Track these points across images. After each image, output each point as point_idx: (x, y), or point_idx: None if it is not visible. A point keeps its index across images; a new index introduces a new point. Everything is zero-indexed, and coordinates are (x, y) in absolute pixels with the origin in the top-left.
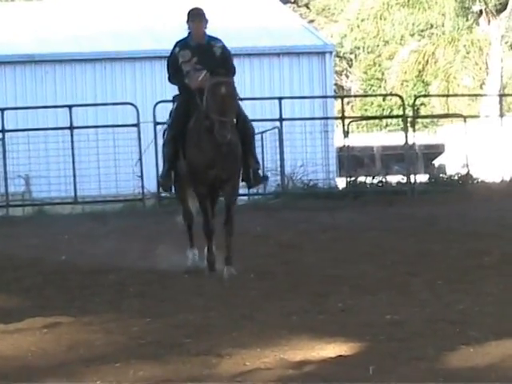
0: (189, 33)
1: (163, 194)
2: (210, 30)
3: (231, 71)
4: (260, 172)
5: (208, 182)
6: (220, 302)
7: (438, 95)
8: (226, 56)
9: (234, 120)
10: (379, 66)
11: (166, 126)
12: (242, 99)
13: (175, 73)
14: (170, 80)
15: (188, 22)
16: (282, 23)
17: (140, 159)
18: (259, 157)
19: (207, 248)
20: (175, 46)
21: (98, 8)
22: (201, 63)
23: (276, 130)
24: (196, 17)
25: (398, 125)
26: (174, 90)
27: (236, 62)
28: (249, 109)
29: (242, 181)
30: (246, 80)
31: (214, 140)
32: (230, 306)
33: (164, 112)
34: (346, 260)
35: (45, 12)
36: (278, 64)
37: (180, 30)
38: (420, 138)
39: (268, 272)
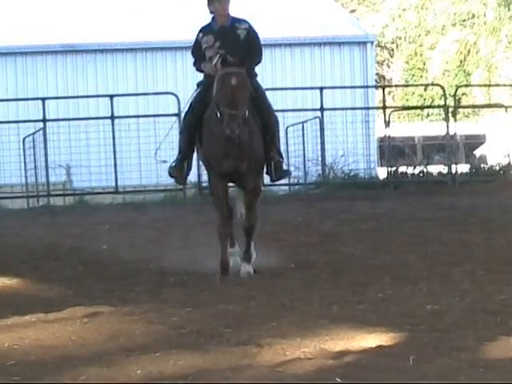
0: (212, 17)
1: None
2: (253, 21)
3: (256, 55)
4: (283, 165)
5: (225, 175)
6: (260, 292)
7: (480, 85)
8: (252, 38)
9: (246, 112)
10: (421, 55)
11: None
12: (263, 90)
13: (199, 59)
14: (195, 67)
15: (208, 4)
16: (323, 13)
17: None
18: (300, 147)
19: (222, 250)
20: (199, 32)
21: None
22: (224, 47)
23: (317, 120)
24: None
25: (440, 115)
26: None
27: (278, 52)
28: (290, 98)
29: (266, 173)
30: (288, 70)
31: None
32: (269, 296)
33: None
34: (387, 250)
35: (85, 2)
36: (319, 54)
37: None
38: (461, 128)
39: (308, 261)
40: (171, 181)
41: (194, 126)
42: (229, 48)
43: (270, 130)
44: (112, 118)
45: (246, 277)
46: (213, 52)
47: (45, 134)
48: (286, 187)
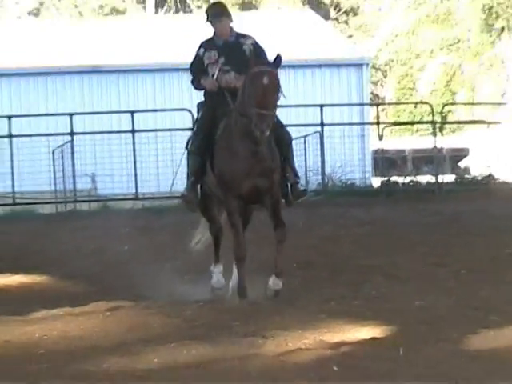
0: (215, 32)
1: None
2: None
3: None
4: (300, 186)
5: (243, 194)
6: (265, 290)
7: (464, 103)
8: (258, 53)
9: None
10: (411, 76)
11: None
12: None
13: (198, 75)
14: (194, 84)
15: (208, 21)
16: (324, 38)
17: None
18: (301, 158)
19: (239, 275)
20: (200, 46)
21: (155, 24)
22: (229, 63)
23: (318, 134)
24: (215, 17)
25: (428, 130)
26: None
27: (283, 73)
28: (293, 115)
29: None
30: (292, 89)
31: (249, 146)
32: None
33: None
34: (380, 252)
35: (108, 29)
36: (320, 75)
37: None
38: (447, 142)
39: (308, 262)
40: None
41: (205, 148)
42: (234, 64)
43: (285, 147)
44: (133, 131)
45: (274, 291)
46: (216, 68)
47: (72, 146)
48: None
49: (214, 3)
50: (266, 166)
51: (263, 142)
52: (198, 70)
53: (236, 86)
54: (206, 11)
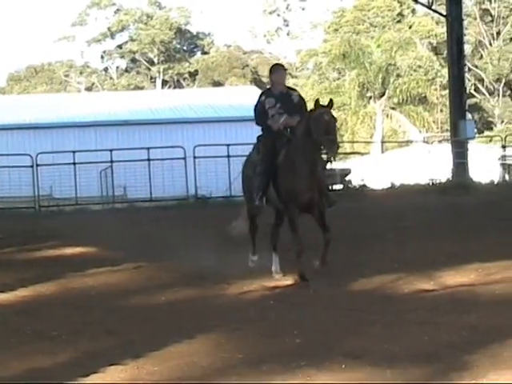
0: (271, 85)
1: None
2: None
3: (307, 112)
4: (331, 197)
5: (303, 205)
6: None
7: (348, 141)
8: (302, 103)
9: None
10: None
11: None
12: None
13: (261, 116)
14: (257, 122)
15: (271, 74)
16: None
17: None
18: None
19: (300, 264)
20: (262, 95)
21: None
22: (283, 108)
23: None
24: (277, 70)
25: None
26: (206, 136)
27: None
28: None
29: None
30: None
31: (308, 166)
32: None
33: (201, 152)
34: None
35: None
36: None
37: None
38: (338, 164)
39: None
40: (177, 193)
41: (270, 171)
42: (286, 108)
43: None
44: (148, 160)
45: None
46: (275, 111)
47: (111, 169)
48: None
49: (276, 63)
50: (318, 183)
51: (320, 164)
52: (260, 112)
53: (292, 125)
54: (272, 67)
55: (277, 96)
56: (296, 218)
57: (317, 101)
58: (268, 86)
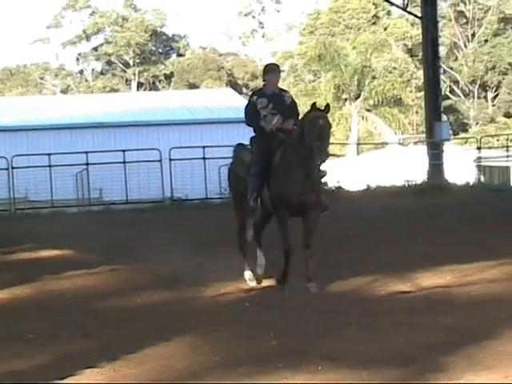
0: (264, 84)
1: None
2: None
3: (297, 116)
4: (326, 201)
5: (294, 208)
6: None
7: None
8: (294, 105)
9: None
10: None
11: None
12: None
13: (253, 117)
14: (248, 123)
15: (265, 74)
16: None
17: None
18: None
19: (286, 265)
20: (253, 95)
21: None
22: (275, 109)
23: None
24: (272, 70)
25: None
26: (182, 138)
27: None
28: None
29: None
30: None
31: (303, 169)
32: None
33: (177, 154)
34: None
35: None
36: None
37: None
38: None
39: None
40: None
41: (264, 172)
42: (279, 109)
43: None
44: (124, 163)
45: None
46: (267, 111)
47: (87, 171)
48: None
49: (271, 63)
50: (315, 186)
51: (316, 167)
52: (251, 112)
53: (288, 129)
54: (265, 67)
55: (269, 96)
56: (286, 222)
57: (314, 104)
58: (260, 87)
